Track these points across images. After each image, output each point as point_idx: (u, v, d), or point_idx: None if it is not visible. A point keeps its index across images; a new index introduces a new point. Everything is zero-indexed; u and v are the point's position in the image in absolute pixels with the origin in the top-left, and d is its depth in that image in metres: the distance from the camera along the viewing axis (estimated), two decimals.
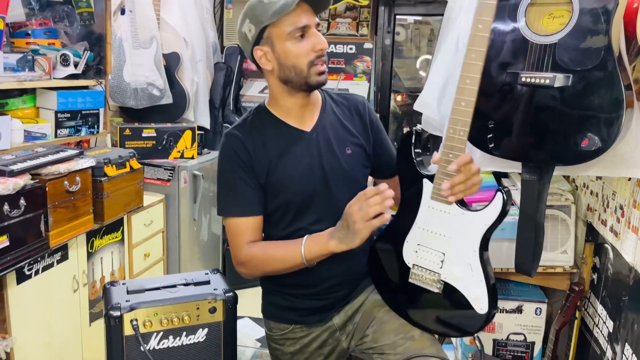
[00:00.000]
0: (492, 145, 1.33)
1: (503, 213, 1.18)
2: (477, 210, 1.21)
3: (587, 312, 1.86)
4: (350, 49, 3.79)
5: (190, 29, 3.23)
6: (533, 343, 1.99)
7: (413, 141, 1.31)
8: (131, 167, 2.25)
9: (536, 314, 1.98)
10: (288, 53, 1.29)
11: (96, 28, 2.38)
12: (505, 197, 1.18)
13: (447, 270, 1.24)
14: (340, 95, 1.48)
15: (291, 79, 1.32)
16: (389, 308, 1.38)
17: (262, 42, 1.32)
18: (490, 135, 1.33)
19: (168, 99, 2.92)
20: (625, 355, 1.52)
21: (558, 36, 1.22)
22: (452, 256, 1.24)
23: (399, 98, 4.60)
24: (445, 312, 1.28)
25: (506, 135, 1.33)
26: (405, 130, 4.40)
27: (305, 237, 1.31)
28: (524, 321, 1.99)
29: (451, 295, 1.24)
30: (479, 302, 1.21)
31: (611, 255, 1.69)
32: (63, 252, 1.94)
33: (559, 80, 1.22)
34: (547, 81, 1.23)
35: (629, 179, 1.57)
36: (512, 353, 2.00)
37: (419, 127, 1.33)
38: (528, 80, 1.26)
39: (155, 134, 2.87)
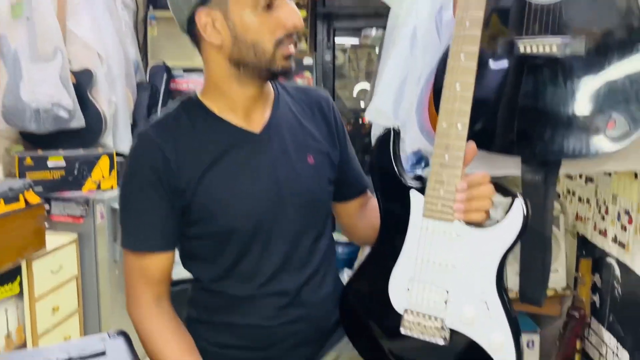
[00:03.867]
0: (484, 137, 1.04)
1: (524, 227, 0.88)
2: (489, 227, 0.90)
3: (589, 342, 1.59)
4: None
5: (106, 42, 2.82)
6: None
7: (392, 143, 1.00)
8: (27, 202, 1.81)
9: (528, 347, 1.70)
10: (248, 25, 0.94)
11: None
12: (525, 206, 0.88)
13: (454, 313, 0.92)
14: (299, 89, 1.13)
15: (247, 62, 0.96)
16: None
17: (210, 2, 0.95)
18: (481, 124, 1.04)
19: (79, 122, 2.48)
20: None
21: None
22: (460, 293, 0.92)
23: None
24: None
25: (504, 123, 1.04)
26: None
27: None
28: None
29: (462, 347, 0.92)
30: (503, 351, 0.89)
31: (617, 271, 1.44)
32: None
33: (571, 46, 0.95)
34: (554, 48, 0.96)
35: (635, 176, 1.33)
36: None
37: (396, 125, 1.02)
38: (529, 48, 0.98)
39: (64, 163, 2.42)
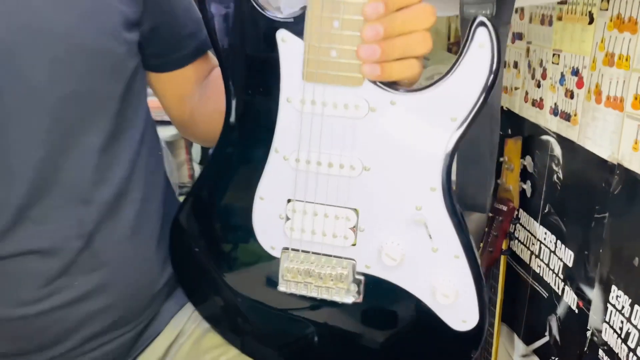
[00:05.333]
0: None
1: (495, 70, 0.46)
2: (427, 87, 0.47)
3: (517, 240, 1.31)
4: None
5: None
6: None
7: None
8: None
9: None
10: None
11: None
12: (492, 29, 0.45)
13: (370, 249, 0.51)
14: None
15: None
16: (237, 352, 0.62)
17: None
18: None
19: None
20: (611, 301, 0.99)
21: None
22: (380, 212, 0.50)
23: None
24: (378, 345, 0.56)
25: None
26: None
27: None
28: None
29: (386, 308, 0.52)
30: (456, 307, 0.51)
31: (557, 150, 1.12)
32: None
33: None
34: None
35: (591, 20, 0.97)
36: None
37: None
38: None
39: None
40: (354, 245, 0.51)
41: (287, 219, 0.52)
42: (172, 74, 0.67)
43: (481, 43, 0.45)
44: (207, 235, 0.58)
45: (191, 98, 0.69)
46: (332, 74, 0.48)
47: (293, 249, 0.53)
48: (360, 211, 0.51)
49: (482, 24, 0.45)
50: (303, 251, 0.52)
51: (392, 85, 0.48)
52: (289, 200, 0.52)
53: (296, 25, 0.48)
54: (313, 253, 0.52)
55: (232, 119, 0.53)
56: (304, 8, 0.47)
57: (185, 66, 0.67)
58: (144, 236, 0.60)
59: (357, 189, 0.50)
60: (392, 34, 0.45)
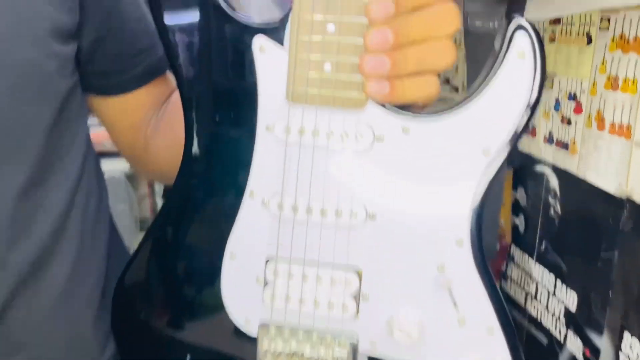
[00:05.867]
0: None
1: (540, 86, 0.36)
2: (451, 109, 0.36)
3: (512, 280, 1.21)
4: None
5: None
6: None
7: None
8: None
9: None
10: None
11: None
12: (535, 33, 0.35)
13: (376, 324, 0.39)
14: None
15: None
16: None
17: None
18: None
19: None
20: (624, 350, 0.88)
21: None
22: (389, 275, 0.38)
23: None
24: None
25: None
26: None
27: None
28: None
29: None
30: None
31: (553, 182, 1.03)
32: None
33: None
34: None
35: (589, 40, 0.89)
36: None
37: None
38: None
39: None
40: (355, 317, 0.39)
41: (266, 283, 0.40)
42: (122, 98, 0.55)
43: (521, 52, 0.34)
44: (161, 303, 0.45)
45: (145, 127, 0.56)
46: (326, 94, 0.36)
47: (274, 324, 0.40)
48: (364, 273, 0.38)
49: (521, 27, 0.35)
50: (288, 327, 0.40)
51: (404, 107, 0.37)
52: (268, 260, 0.40)
53: (278, 31, 0.37)
54: (301, 329, 0.39)
55: (194, 152, 0.41)
56: (284, 20, 0.36)
57: (138, 89, 0.55)
58: (77, 307, 0.46)
59: (360, 244, 0.38)
60: (405, 42, 0.34)
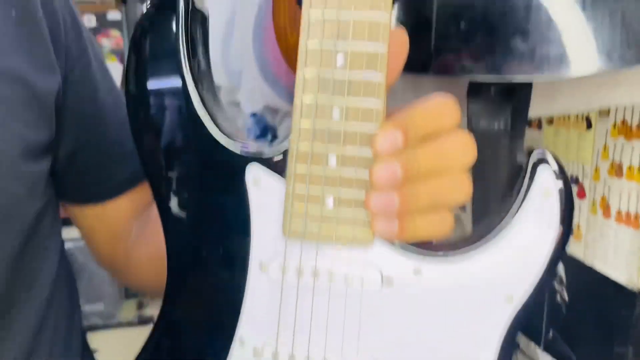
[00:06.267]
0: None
1: (566, 232, 0.32)
2: (467, 249, 0.32)
3: None
4: (89, 21, 2.72)
5: None
6: None
7: (186, 48, 0.37)
8: None
9: None
10: None
11: None
12: (560, 168, 0.31)
13: None
14: None
15: None
16: None
17: None
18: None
19: None
20: None
21: None
22: None
23: None
24: None
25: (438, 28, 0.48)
26: None
27: None
28: None
29: None
30: None
31: (560, 268, 0.99)
32: None
33: None
34: None
35: (589, 125, 0.87)
36: None
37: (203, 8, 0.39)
38: None
39: None
40: None
41: None
42: (100, 207, 0.51)
43: (546, 190, 0.31)
44: None
45: (126, 237, 0.52)
46: (328, 231, 0.32)
47: None
48: None
49: (543, 160, 0.31)
50: None
51: (416, 246, 0.33)
52: None
53: (274, 160, 0.33)
54: None
55: (178, 288, 0.36)
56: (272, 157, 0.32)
57: (118, 196, 0.51)
58: None
59: None
60: (415, 176, 0.31)
